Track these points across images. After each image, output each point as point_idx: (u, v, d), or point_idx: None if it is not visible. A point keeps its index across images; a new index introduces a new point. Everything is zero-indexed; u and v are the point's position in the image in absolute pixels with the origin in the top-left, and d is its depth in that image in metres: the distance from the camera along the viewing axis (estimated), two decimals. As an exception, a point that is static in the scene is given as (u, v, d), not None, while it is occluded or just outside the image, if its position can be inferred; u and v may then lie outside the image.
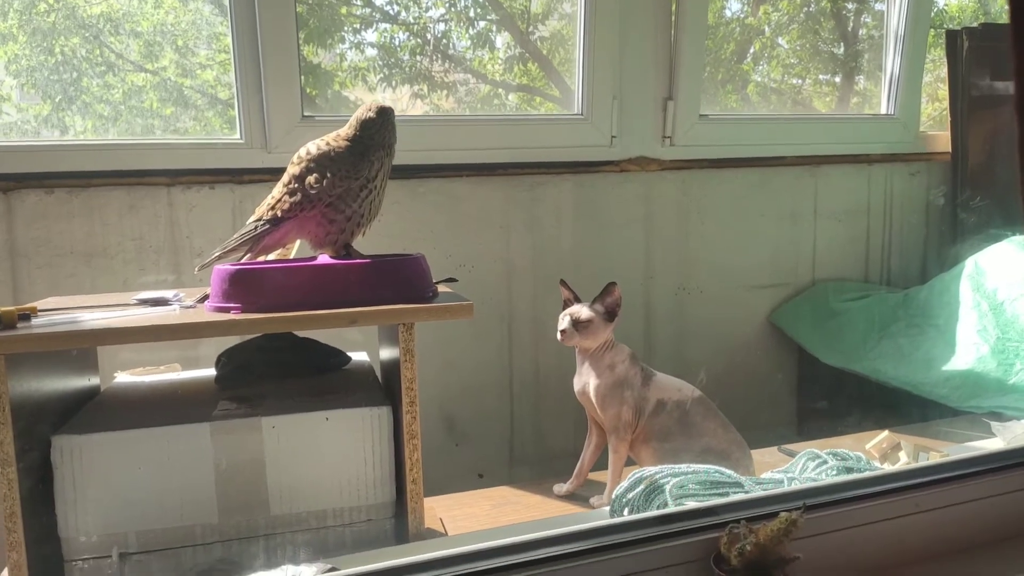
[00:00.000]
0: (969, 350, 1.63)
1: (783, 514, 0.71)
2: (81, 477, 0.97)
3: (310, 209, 1.08)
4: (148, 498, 1.00)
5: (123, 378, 1.32)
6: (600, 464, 1.31)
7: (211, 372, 1.25)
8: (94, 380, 1.25)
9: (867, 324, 1.89)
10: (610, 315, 1.25)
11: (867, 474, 0.94)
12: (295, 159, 1.11)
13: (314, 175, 1.08)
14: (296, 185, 1.09)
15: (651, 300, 1.90)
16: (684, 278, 1.93)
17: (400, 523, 1.09)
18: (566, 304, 1.29)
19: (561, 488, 1.33)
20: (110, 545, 0.99)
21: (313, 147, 1.11)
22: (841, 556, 0.80)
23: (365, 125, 1.11)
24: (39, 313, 1.00)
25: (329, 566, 0.85)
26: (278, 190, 1.11)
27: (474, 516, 1.27)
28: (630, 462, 1.27)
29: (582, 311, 1.24)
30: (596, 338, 1.24)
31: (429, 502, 1.26)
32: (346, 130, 1.12)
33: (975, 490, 0.84)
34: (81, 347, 1.06)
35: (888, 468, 1.18)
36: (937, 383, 1.63)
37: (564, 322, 1.24)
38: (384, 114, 1.12)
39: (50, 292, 1.45)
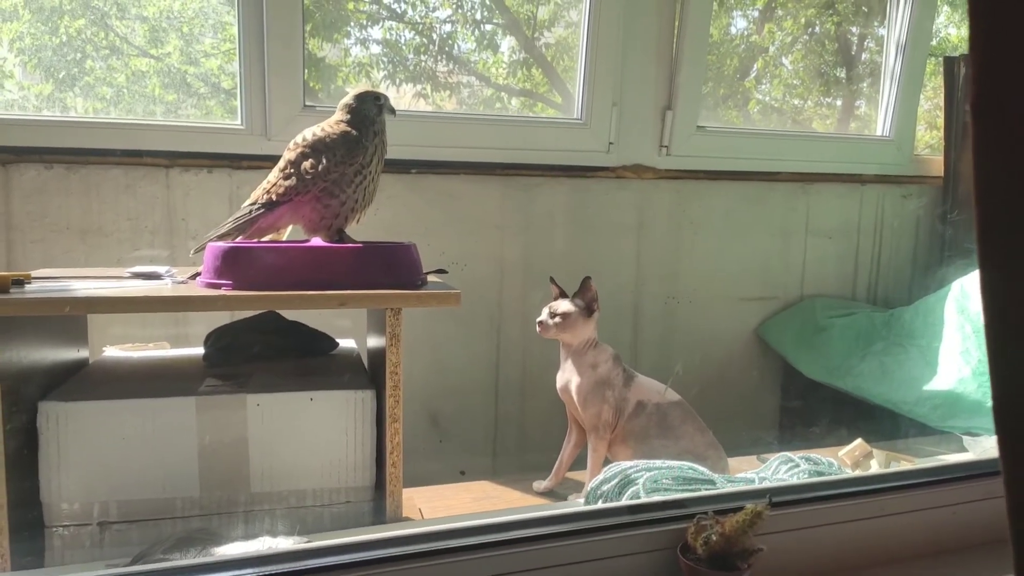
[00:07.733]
0: (951, 371, 1.65)
1: (748, 506, 0.72)
2: (65, 444, 0.99)
3: (305, 193, 1.10)
4: (131, 469, 1.01)
5: (112, 352, 1.33)
6: (579, 463, 1.33)
7: (199, 351, 1.27)
8: (83, 352, 1.27)
9: (852, 341, 1.91)
10: (588, 310, 1.27)
11: (835, 476, 0.96)
12: (291, 144, 1.13)
13: (310, 160, 1.09)
14: (292, 170, 1.10)
15: (640, 307, 1.92)
16: (674, 287, 1.95)
17: (378, 507, 1.10)
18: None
19: (540, 485, 1.34)
20: (91, 513, 1.00)
21: (309, 133, 1.13)
22: (806, 554, 0.82)
23: (357, 110, 1.13)
24: (32, 280, 1.01)
25: (305, 539, 0.87)
26: (274, 175, 1.13)
27: (453, 508, 1.28)
28: (608, 462, 1.28)
29: (561, 304, 1.27)
30: (575, 332, 1.26)
31: (409, 492, 1.27)
32: (339, 115, 1.14)
33: (940, 497, 0.86)
34: (73, 314, 1.07)
35: (857, 473, 1.20)
36: (917, 402, 1.64)
37: (543, 314, 1.27)
38: (375, 98, 1.14)
39: (44, 267, 1.46)
